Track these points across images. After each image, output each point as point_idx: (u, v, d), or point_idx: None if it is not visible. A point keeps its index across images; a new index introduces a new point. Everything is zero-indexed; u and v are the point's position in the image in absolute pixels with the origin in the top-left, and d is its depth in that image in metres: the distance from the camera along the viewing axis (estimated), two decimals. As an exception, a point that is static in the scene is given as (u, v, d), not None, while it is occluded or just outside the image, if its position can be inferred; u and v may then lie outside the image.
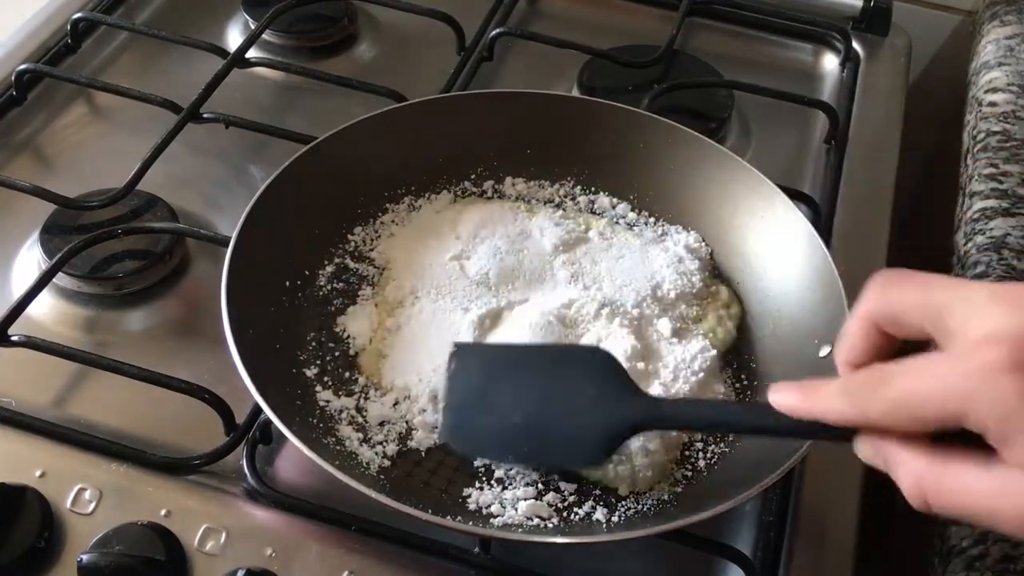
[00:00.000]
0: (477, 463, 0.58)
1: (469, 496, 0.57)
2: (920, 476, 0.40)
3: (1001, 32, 0.91)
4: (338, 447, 0.57)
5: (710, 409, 0.52)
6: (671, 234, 0.71)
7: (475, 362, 0.55)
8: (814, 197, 0.78)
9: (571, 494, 0.57)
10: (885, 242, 0.78)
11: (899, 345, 0.43)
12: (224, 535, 0.56)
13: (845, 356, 0.44)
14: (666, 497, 0.57)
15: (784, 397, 0.44)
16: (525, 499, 0.56)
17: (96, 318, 0.68)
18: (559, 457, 0.54)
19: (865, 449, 0.43)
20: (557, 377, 0.53)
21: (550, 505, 0.57)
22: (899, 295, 0.42)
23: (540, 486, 0.57)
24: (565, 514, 0.56)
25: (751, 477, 0.52)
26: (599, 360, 0.53)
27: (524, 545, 0.58)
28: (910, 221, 1.03)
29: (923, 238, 1.00)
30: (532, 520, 0.56)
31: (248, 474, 0.59)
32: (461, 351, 0.55)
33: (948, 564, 0.57)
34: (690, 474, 0.59)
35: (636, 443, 0.58)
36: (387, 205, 0.71)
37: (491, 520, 0.56)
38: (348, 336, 0.64)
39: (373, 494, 0.50)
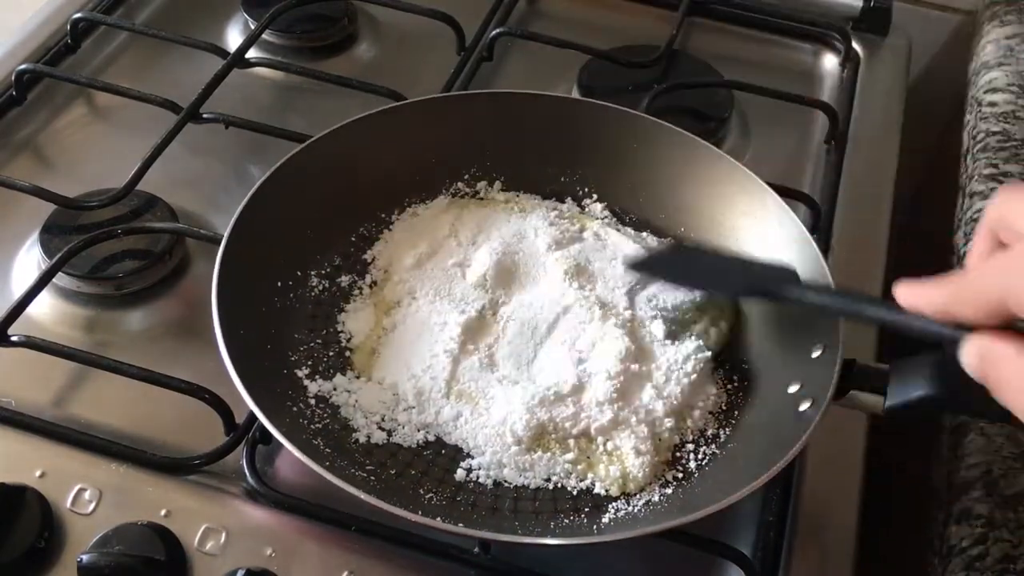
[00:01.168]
0: (460, 472, 0.58)
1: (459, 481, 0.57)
2: (983, 355, 0.43)
3: (1001, 32, 0.91)
4: (328, 448, 0.57)
5: (844, 299, 0.56)
6: (666, 235, 0.71)
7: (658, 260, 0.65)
8: (814, 197, 0.78)
9: (567, 497, 0.57)
10: (885, 242, 0.78)
11: None
12: (224, 535, 0.56)
13: (972, 261, 0.47)
14: (657, 498, 0.57)
15: (902, 289, 0.47)
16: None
17: (96, 318, 0.68)
18: (710, 283, 0.62)
19: (968, 352, 0.44)
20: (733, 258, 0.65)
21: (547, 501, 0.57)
22: (1008, 204, 0.45)
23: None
24: (560, 516, 0.56)
25: (743, 478, 0.52)
26: (777, 266, 0.61)
27: (523, 544, 0.58)
28: (910, 221, 1.03)
29: (923, 238, 1.00)
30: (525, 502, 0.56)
31: (248, 474, 0.59)
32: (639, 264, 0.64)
33: (948, 564, 0.57)
34: (681, 475, 0.59)
35: (627, 445, 0.58)
36: (382, 206, 0.71)
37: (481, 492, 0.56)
38: (342, 336, 0.64)
39: (363, 495, 0.50)
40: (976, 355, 0.43)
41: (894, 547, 0.70)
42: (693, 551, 0.57)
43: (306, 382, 0.61)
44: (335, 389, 0.61)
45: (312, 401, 0.60)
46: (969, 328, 0.44)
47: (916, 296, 0.46)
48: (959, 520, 0.59)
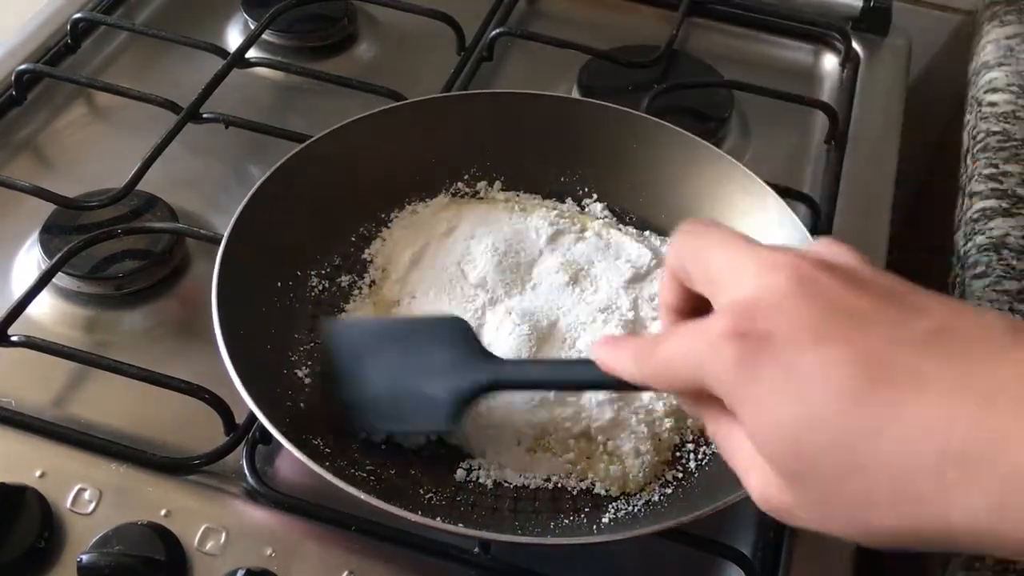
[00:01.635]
0: (460, 472, 0.58)
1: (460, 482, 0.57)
2: (711, 425, 0.41)
3: (1001, 32, 0.91)
4: (327, 448, 0.57)
5: (547, 368, 0.54)
6: (666, 235, 0.71)
7: (346, 337, 0.58)
8: (814, 197, 0.78)
9: (567, 497, 0.57)
10: (885, 242, 0.78)
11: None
12: (224, 535, 0.56)
13: (660, 300, 0.45)
14: (657, 498, 0.57)
15: (598, 350, 0.46)
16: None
17: (96, 318, 0.68)
18: (417, 422, 0.56)
19: (683, 402, 0.43)
20: (416, 347, 0.56)
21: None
22: (686, 253, 0.42)
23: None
24: (560, 516, 0.56)
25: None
26: (453, 328, 0.56)
27: (523, 544, 0.58)
28: (910, 221, 1.03)
29: (923, 238, 1.00)
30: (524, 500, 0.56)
31: (248, 474, 0.59)
32: (331, 327, 0.59)
33: (948, 564, 0.57)
34: (681, 475, 0.59)
35: (627, 445, 0.58)
36: (382, 205, 0.71)
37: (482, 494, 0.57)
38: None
39: (362, 495, 0.50)
40: (693, 403, 0.41)
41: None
42: (693, 551, 0.57)
43: (306, 381, 0.61)
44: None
45: (315, 404, 0.60)
46: None
47: (614, 363, 0.44)
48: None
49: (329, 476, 0.51)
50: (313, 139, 0.67)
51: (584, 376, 0.48)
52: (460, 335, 0.56)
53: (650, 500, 0.57)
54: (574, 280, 0.66)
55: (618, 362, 0.44)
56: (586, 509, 0.57)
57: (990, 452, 0.32)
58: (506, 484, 0.58)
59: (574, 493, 0.58)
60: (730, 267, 0.39)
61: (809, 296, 0.36)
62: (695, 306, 0.43)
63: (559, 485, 0.58)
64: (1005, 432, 0.32)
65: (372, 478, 0.57)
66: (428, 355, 0.56)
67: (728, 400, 0.37)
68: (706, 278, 0.41)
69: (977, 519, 0.33)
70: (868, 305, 0.36)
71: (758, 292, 0.37)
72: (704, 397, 0.39)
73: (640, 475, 0.58)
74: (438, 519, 0.52)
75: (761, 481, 0.38)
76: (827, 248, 0.40)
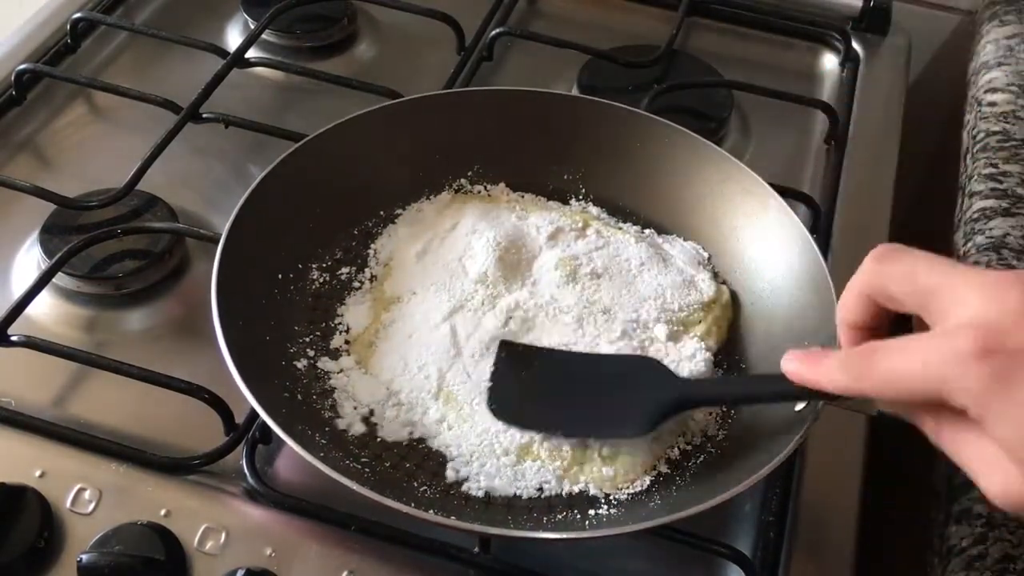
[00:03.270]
0: (450, 473, 0.58)
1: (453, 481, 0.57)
2: (943, 431, 0.43)
3: (1001, 32, 0.91)
4: (323, 440, 0.57)
5: (736, 385, 0.58)
6: (668, 235, 0.71)
7: (522, 359, 0.61)
8: (814, 197, 0.78)
9: (562, 494, 0.57)
10: (885, 242, 0.78)
11: (895, 313, 0.46)
12: (224, 535, 0.56)
13: (843, 317, 0.48)
14: (653, 497, 0.57)
15: (794, 365, 0.48)
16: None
17: (96, 318, 0.68)
18: (607, 430, 0.58)
19: (922, 426, 0.45)
20: (603, 370, 0.60)
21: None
22: (891, 273, 0.45)
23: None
24: (554, 512, 0.56)
25: (737, 477, 0.52)
26: (649, 363, 0.60)
27: (523, 543, 0.58)
28: (910, 221, 1.03)
29: (923, 238, 1.00)
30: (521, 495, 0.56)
31: (248, 474, 0.59)
32: (509, 348, 0.61)
33: (948, 564, 0.57)
34: (677, 474, 0.59)
35: (624, 447, 0.58)
36: (385, 201, 0.71)
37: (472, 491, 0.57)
38: (340, 329, 0.64)
39: (355, 486, 0.50)
40: (930, 427, 0.43)
41: (894, 547, 0.70)
42: (693, 551, 0.57)
43: (304, 373, 0.61)
44: (338, 371, 0.62)
45: (312, 396, 0.60)
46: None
47: (815, 375, 0.46)
48: (959, 520, 0.59)
49: (322, 466, 0.51)
50: (315, 134, 0.68)
51: (774, 389, 0.50)
52: (654, 367, 0.59)
53: (646, 499, 0.57)
54: (573, 277, 0.66)
55: (823, 375, 0.46)
56: (580, 506, 0.57)
57: None
58: (497, 494, 0.57)
59: (566, 496, 0.57)
60: (950, 287, 0.42)
61: None
62: (879, 324, 0.46)
63: (553, 494, 0.57)
64: None
65: (367, 470, 0.57)
66: (623, 379, 0.59)
67: (978, 413, 0.39)
68: (921, 299, 0.43)
69: None
70: None
71: (996, 311, 0.40)
72: (933, 407, 0.41)
73: (635, 475, 0.58)
74: (431, 511, 0.52)
75: (1004, 481, 0.40)
76: None
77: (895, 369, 0.42)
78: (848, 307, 0.47)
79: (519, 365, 0.60)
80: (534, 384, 0.60)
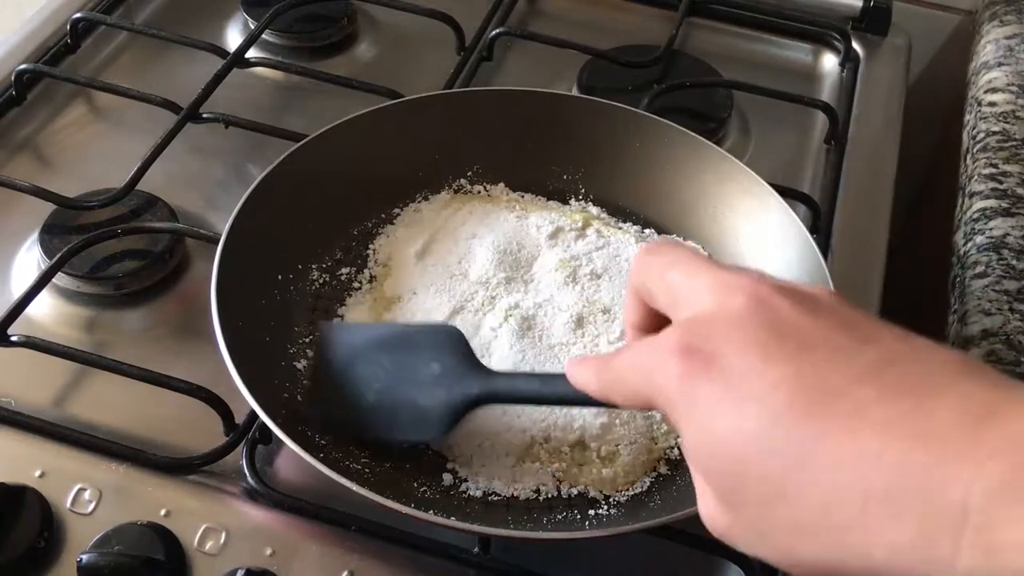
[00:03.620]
0: (447, 476, 0.58)
1: (453, 484, 0.57)
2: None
3: (1001, 32, 0.91)
4: (323, 440, 0.57)
5: (537, 382, 0.53)
6: (668, 235, 0.71)
7: (341, 342, 0.58)
8: (814, 197, 0.78)
9: (562, 495, 0.57)
10: (885, 242, 0.78)
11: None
12: (224, 535, 0.56)
13: (624, 318, 0.46)
14: (653, 497, 0.57)
15: (568, 367, 0.47)
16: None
17: (96, 318, 0.68)
18: (407, 432, 0.56)
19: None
20: (409, 355, 0.56)
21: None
22: (650, 267, 0.42)
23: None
24: (553, 513, 0.56)
25: None
26: (448, 337, 0.56)
27: (523, 543, 0.58)
28: (910, 221, 1.03)
29: (923, 238, 1.00)
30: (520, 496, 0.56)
31: (248, 474, 0.59)
32: (327, 330, 0.59)
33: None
34: (676, 474, 0.59)
35: (623, 448, 0.58)
36: (385, 201, 0.71)
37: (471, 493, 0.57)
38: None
39: (354, 487, 0.50)
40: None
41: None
42: (693, 551, 0.57)
43: (304, 373, 0.61)
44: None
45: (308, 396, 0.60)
46: None
47: (579, 378, 0.45)
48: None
49: (321, 467, 0.51)
50: (315, 134, 0.68)
51: (569, 392, 0.48)
52: (454, 345, 0.56)
53: (644, 499, 0.57)
54: (573, 278, 0.66)
55: (582, 377, 0.45)
56: (579, 507, 0.57)
57: (914, 489, 0.32)
58: (495, 495, 0.57)
59: (566, 497, 0.57)
60: (689, 286, 0.40)
61: (762, 318, 0.36)
62: (658, 324, 0.43)
63: (551, 495, 0.57)
64: (931, 471, 0.31)
65: (367, 470, 0.57)
66: (421, 365, 0.56)
67: (671, 414, 0.38)
68: (666, 296, 0.41)
69: (899, 556, 0.32)
70: (820, 332, 0.36)
71: (713, 311, 0.38)
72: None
73: (634, 476, 0.58)
74: (431, 512, 0.52)
75: (704, 503, 0.39)
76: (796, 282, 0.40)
77: (619, 367, 0.41)
78: (626, 306, 0.45)
79: (335, 353, 0.58)
80: (346, 377, 0.57)
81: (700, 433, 0.36)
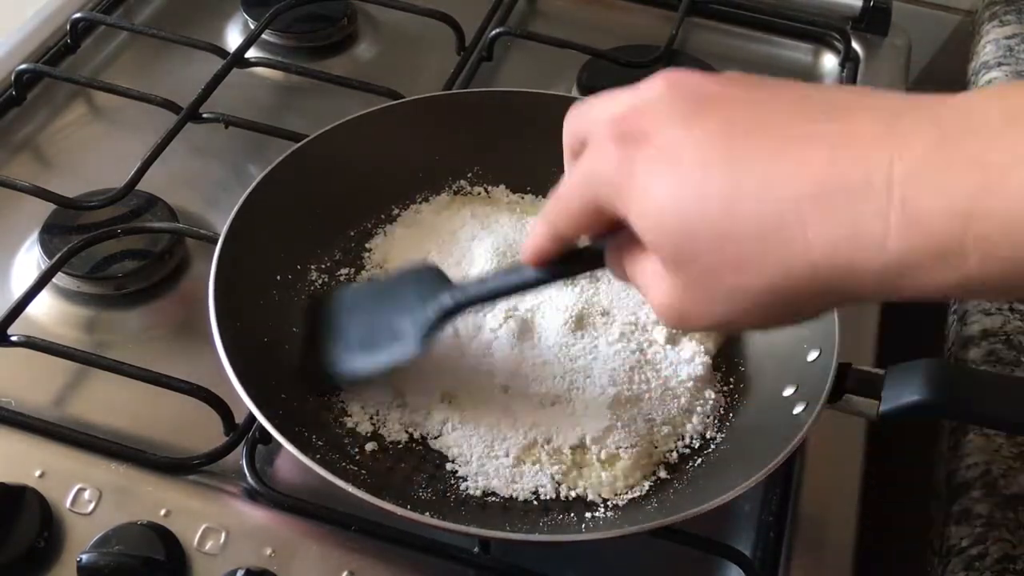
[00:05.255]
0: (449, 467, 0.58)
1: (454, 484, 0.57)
2: (626, 265, 0.44)
3: (1001, 32, 0.91)
4: (320, 441, 0.57)
5: (500, 278, 0.54)
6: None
7: (328, 301, 0.61)
8: (814, 197, 0.78)
9: (560, 497, 0.57)
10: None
11: None
12: (224, 535, 0.56)
13: (561, 184, 0.47)
14: (651, 500, 0.57)
15: (523, 249, 0.48)
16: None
17: (96, 318, 0.68)
18: (388, 357, 0.57)
19: (609, 264, 0.45)
20: (389, 295, 0.59)
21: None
22: (576, 119, 0.45)
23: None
24: (551, 513, 0.56)
25: (736, 479, 0.52)
26: (422, 271, 0.58)
27: (522, 543, 0.58)
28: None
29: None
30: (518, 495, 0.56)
31: (248, 474, 0.59)
32: (314, 302, 0.62)
33: (947, 564, 0.57)
34: (674, 477, 0.59)
35: (624, 450, 0.58)
36: (384, 202, 0.71)
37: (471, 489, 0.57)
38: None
39: (350, 488, 0.50)
40: (616, 262, 0.44)
41: (894, 547, 0.70)
42: (693, 551, 0.57)
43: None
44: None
45: (311, 397, 0.60)
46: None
47: (533, 242, 0.46)
48: (959, 520, 0.59)
49: (317, 468, 0.51)
50: (315, 135, 0.68)
51: (532, 276, 0.49)
52: (428, 276, 0.57)
53: (643, 501, 0.57)
54: (572, 281, 0.66)
55: (534, 240, 0.46)
56: (577, 508, 0.57)
57: (841, 185, 0.35)
58: (494, 495, 0.57)
59: (564, 498, 0.57)
60: (612, 100, 0.42)
61: (682, 92, 0.40)
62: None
63: (550, 497, 0.57)
64: (855, 164, 0.34)
65: (363, 471, 0.57)
66: (398, 299, 0.58)
67: (616, 202, 0.40)
68: (593, 119, 0.43)
69: (837, 251, 0.35)
70: (734, 91, 0.40)
71: (635, 101, 0.41)
72: (608, 227, 0.42)
73: (633, 479, 0.58)
74: (427, 514, 0.52)
75: (658, 289, 0.41)
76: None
77: (563, 194, 0.43)
78: (565, 163, 0.47)
79: (325, 317, 0.61)
80: (335, 330, 0.60)
81: (643, 203, 0.39)
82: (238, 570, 0.53)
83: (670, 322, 0.41)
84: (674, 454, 0.60)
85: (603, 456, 0.58)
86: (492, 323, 0.63)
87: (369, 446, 0.58)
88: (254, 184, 0.63)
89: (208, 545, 0.55)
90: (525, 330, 0.63)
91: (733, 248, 0.37)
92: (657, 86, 0.41)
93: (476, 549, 0.56)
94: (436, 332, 0.56)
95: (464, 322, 0.63)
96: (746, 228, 0.36)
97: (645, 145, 0.39)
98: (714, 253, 0.37)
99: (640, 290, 0.43)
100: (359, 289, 0.64)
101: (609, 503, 0.57)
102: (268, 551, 0.55)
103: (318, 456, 0.53)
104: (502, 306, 0.64)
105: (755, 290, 0.37)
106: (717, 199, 0.37)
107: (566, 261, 0.47)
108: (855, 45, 0.95)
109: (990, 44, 0.91)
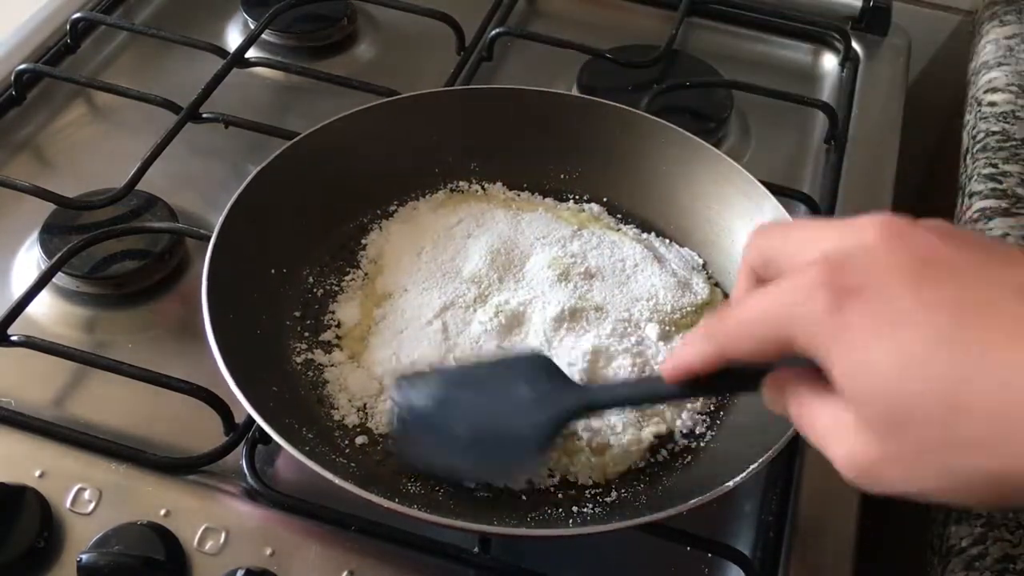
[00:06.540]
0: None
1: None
2: (793, 404, 0.41)
3: (1001, 32, 0.92)
4: (311, 434, 0.57)
5: (627, 388, 0.53)
6: (664, 237, 0.71)
7: (420, 389, 0.54)
8: (813, 197, 0.78)
9: (549, 490, 0.57)
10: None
11: None
12: (224, 535, 0.56)
13: (732, 297, 0.46)
14: (641, 496, 0.57)
15: (666, 363, 0.45)
16: None
17: (96, 318, 0.68)
18: (505, 458, 0.53)
19: (767, 394, 0.43)
20: (497, 387, 0.54)
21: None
22: (768, 241, 0.43)
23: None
24: (542, 508, 0.56)
25: (727, 475, 0.52)
26: (535, 363, 0.54)
27: (523, 542, 0.58)
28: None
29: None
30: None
31: (248, 474, 0.59)
32: (404, 382, 0.55)
33: (947, 564, 0.57)
34: (664, 474, 0.59)
35: (615, 442, 0.58)
36: (380, 198, 0.71)
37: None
38: (332, 324, 0.64)
39: (337, 481, 0.50)
40: (776, 395, 0.42)
41: (894, 547, 0.70)
42: (693, 551, 0.57)
43: (296, 364, 0.61)
44: (330, 365, 0.62)
45: (303, 391, 0.60)
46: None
47: (680, 361, 0.43)
48: (959, 520, 0.59)
49: (306, 460, 0.51)
50: (310, 130, 0.68)
51: (664, 389, 0.46)
52: (541, 370, 0.53)
53: (634, 497, 0.57)
54: (566, 276, 0.66)
55: (687, 354, 0.43)
56: (567, 503, 0.57)
57: None
58: (483, 489, 0.57)
59: (553, 490, 0.57)
60: (816, 236, 0.40)
61: (902, 247, 0.37)
62: None
63: (540, 488, 0.57)
64: None
65: (353, 464, 0.57)
66: (507, 391, 0.53)
67: (818, 350, 0.37)
68: (793, 252, 0.41)
69: None
70: (963, 256, 0.36)
71: (848, 250, 0.38)
72: (785, 375, 0.40)
73: (621, 466, 0.58)
74: (415, 507, 0.52)
75: (847, 442, 0.38)
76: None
77: (744, 318, 0.40)
78: (737, 284, 0.45)
79: (418, 400, 0.54)
80: (433, 420, 0.53)
81: (855, 363, 0.36)
82: (238, 570, 0.53)
83: (856, 478, 0.38)
84: (666, 449, 0.60)
85: (594, 445, 0.58)
86: (482, 317, 0.63)
87: (359, 439, 0.59)
88: (247, 180, 0.63)
89: (208, 545, 0.55)
90: (515, 324, 0.63)
91: (961, 425, 0.34)
92: (874, 232, 0.38)
93: (476, 548, 0.56)
94: (558, 439, 0.53)
95: (454, 316, 0.63)
96: (973, 412, 0.34)
97: (863, 299, 0.36)
98: (937, 424, 0.35)
99: (809, 433, 0.40)
100: (459, 373, 0.57)
101: (599, 497, 0.57)
102: (268, 551, 0.55)
103: (307, 448, 0.53)
104: (493, 301, 0.64)
105: (974, 470, 0.35)
106: (945, 378, 0.34)
107: (712, 380, 0.44)
108: (855, 45, 0.95)
109: (990, 44, 0.91)
